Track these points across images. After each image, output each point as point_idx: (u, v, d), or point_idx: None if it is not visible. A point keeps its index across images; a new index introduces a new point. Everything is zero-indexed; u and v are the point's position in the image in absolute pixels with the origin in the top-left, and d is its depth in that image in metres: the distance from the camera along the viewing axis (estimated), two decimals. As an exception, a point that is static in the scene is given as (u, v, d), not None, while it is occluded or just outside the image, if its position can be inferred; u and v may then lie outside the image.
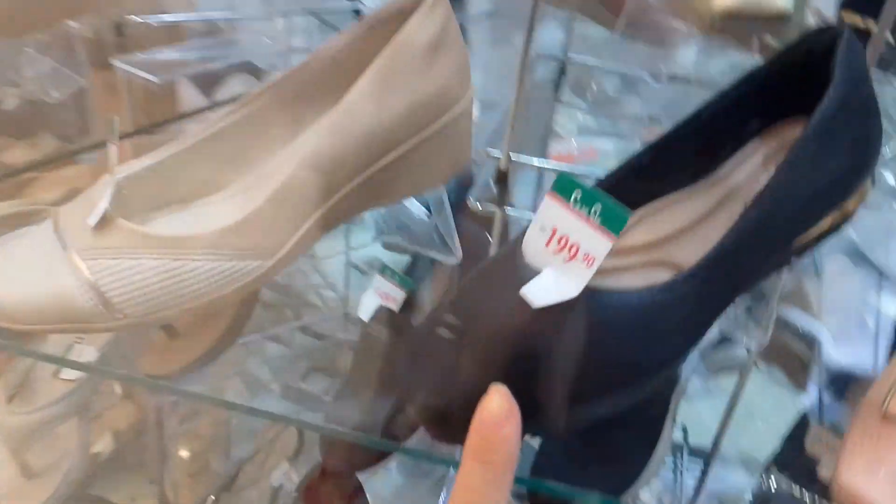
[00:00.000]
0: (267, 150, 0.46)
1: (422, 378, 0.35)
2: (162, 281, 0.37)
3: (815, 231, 0.41)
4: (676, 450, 0.79)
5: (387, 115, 0.41)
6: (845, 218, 0.43)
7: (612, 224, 0.32)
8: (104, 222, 0.37)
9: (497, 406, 0.29)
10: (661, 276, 0.41)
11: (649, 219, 0.44)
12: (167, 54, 0.82)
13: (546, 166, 0.68)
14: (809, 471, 0.71)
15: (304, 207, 0.40)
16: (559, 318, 0.33)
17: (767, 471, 0.74)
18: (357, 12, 0.96)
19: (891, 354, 0.76)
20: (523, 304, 0.33)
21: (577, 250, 0.33)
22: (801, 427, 0.74)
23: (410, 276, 0.70)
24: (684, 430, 0.95)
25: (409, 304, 0.72)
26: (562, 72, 0.87)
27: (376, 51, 0.43)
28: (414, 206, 0.53)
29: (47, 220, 0.40)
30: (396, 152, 0.42)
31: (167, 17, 0.80)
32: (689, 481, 0.85)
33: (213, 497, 1.09)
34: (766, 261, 0.39)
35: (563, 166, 1.03)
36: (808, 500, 0.70)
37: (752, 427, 0.71)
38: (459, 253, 0.48)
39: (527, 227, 0.35)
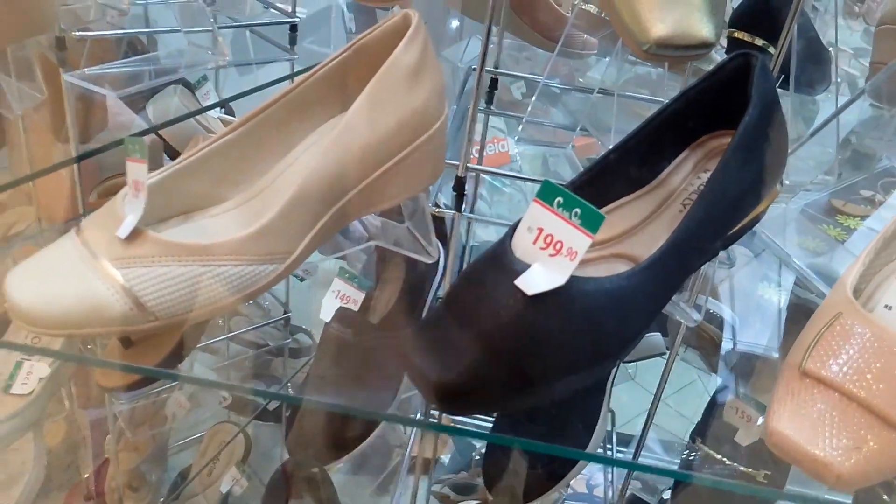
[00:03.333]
0: (260, 166, 0.50)
1: (431, 361, 0.41)
2: (191, 285, 0.41)
3: (739, 226, 0.49)
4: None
5: (379, 133, 0.46)
6: (760, 215, 0.52)
7: (590, 224, 0.39)
8: (134, 234, 0.41)
9: None
10: (619, 267, 0.48)
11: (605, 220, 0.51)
12: (107, 69, 0.84)
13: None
14: (728, 439, 0.81)
15: (311, 216, 0.45)
16: (549, 302, 0.39)
17: (692, 441, 0.83)
18: (293, 28, 1.00)
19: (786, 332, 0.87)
20: (518, 291, 0.39)
21: (562, 246, 0.39)
22: (718, 400, 0.83)
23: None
24: (612, 415, 1.04)
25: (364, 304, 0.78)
26: (493, 85, 0.94)
27: (362, 71, 0.49)
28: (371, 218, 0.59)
29: (67, 234, 0.43)
30: (387, 165, 0.47)
31: (116, 31, 0.82)
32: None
33: (160, 506, 1.10)
34: (705, 251, 0.47)
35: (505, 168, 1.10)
36: (728, 464, 0.79)
37: (664, 409, 0.79)
38: (436, 252, 0.53)
39: (513, 227, 0.42)
